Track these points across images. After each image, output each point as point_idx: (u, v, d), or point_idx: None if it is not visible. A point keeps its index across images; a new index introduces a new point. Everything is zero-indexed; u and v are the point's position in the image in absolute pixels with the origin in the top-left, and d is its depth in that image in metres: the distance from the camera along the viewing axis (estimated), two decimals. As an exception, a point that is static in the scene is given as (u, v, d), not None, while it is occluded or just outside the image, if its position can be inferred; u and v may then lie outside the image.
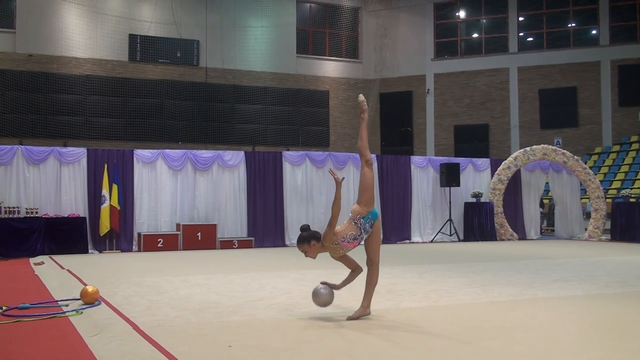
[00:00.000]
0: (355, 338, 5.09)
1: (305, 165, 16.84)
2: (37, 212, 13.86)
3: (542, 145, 18.96)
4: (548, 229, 21.04)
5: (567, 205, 19.16)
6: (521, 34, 26.47)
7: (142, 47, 23.32)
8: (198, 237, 15.13)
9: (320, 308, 6.01)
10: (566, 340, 5.01)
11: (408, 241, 17.64)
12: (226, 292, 7.57)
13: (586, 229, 18.48)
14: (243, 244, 15.50)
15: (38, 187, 14.20)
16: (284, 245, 15.97)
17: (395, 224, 17.65)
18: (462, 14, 27.41)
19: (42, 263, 11.40)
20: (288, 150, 20.18)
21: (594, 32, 26.10)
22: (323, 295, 5.92)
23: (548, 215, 21.50)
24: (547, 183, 19.89)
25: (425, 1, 26.84)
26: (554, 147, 18.94)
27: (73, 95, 22.12)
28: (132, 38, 23.19)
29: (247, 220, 15.97)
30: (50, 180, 14.31)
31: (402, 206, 17.79)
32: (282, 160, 16.63)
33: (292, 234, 16.37)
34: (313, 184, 16.89)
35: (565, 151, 18.69)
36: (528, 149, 18.65)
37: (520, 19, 26.45)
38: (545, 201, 21.63)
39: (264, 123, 24.74)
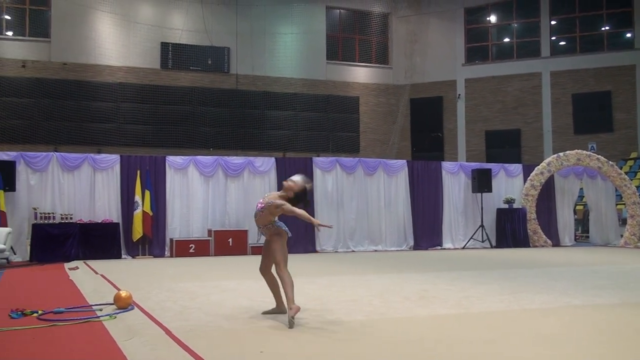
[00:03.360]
0: (386, 343, 5.06)
1: (335, 171, 16.85)
2: (71, 218, 14.08)
3: (576, 150, 18.71)
4: (582, 235, 20.73)
5: (602, 212, 18.86)
6: (553, 38, 26.15)
7: (173, 54, 23.58)
8: (229, 242, 15.22)
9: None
10: (602, 351, 4.92)
11: (439, 247, 17.53)
12: (258, 298, 7.59)
13: (622, 236, 18.16)
14: (274, 250, 15.52)
15: (72, 193, 14.44)
16: (314, 251, 15.97)
17: (426, 230, 17.55)
18: (493, 18, 27.20)
19: (77, 268, 11.56)
20: (318, 156, 20.19)
21: (628, 35, 25.68)
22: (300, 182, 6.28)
23: (583, 221, 21.18)
24: (581, 189, 19.61)
25: (456, 6, 26.69)
26: (588, 153, 18.67)
27: (106, 102, 22.46)
28: (164, 46, 23.47)
29: (278, 226, 16.00)
30: (84, 186, 14.54)
31: (433, 212, 17.68)
32: (313, 166, 16.66)
33: (323, 240, 16.38)
34: (343, 190, 16.88)
35: (599, 156, 18.42)
36: (561, 154, 18.41)
37: (553, 22, 26.14)
38: (579, 207, 21.31)
39: (294, 129, 24.82)
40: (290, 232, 6.29)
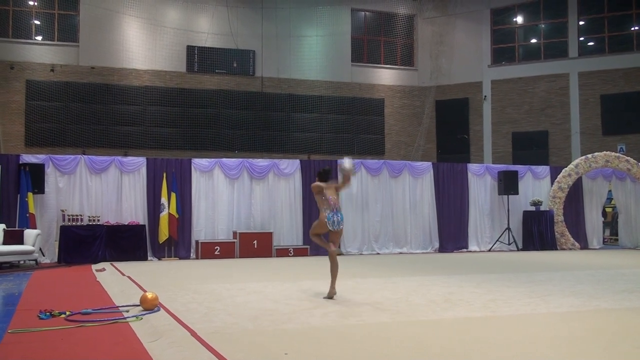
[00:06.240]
0: (411, 346, 5.04)
1: (360, 173, 16.82)
2: (98, 220, 14.25)
3: (605, 152, 18.46)
4: (611, 238, 20.44)
5: (632, 214, 18.59)
6: (582, 39, 25.82)
7: (199, 58, 23.73)
8: (254, 245, 15.27)
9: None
10: (632, 353, 4.85)
11: (465, 250, 17.41)
12: (282, 300, 7.62)
13: (652, 239, 17.89)
14: (299, 252, 15.57)
15: (100, 196, 14.62)
16: (339, 253, 15.91)
17: (452, 232, 17.45)
18: (519, 19, 26.93)
19: (104, 270, 11.69)
20: (343, 158, 20.17)
21: (658, 35, 25.25)
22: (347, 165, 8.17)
23: (611, 224, 20.89)
24: (609, 191, 19.34)
25: (482, 7, 26.49)
26: (617, 154, 18.41)
27: (133, 106, 22.67)
28: (190, 49, 23.63)
29: (302, 228, 16.03)
30: (111, 188, 14.71)
31: (459, 214, 17.58)
32: (337, 169, 16.62)
33: (348, 242, 16.35)
34: (368, 192, 16.85)
35: (629, 158, 18.16)
36: (590, 156, 18.18)
37: (581, 23, 25.81)
38: (608, 209, 21.02)
39: (319, 132, 24.83)
40: (333, 224, 7.93)
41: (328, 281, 8.04)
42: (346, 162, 8.16)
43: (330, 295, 7.78)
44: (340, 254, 8.03)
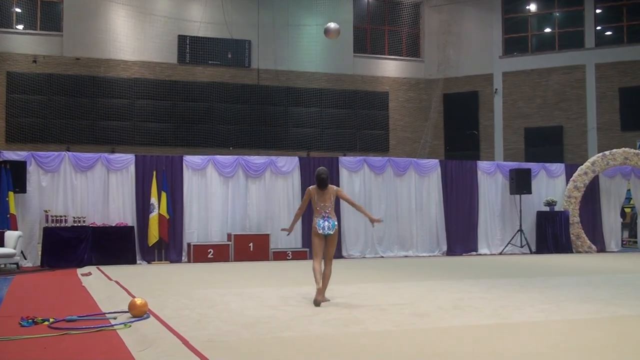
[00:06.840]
0: (418, 356, 5.03)
1: (363, 171, 16.83)
2: (84, 221, 14.23)
3: (623, 148, 18.45)
4: (630, 240, 20.44)
5: (652, 215, 18.61)
6: (599, 28, 25.80)
7: (191, 48, 23.70)
8: (250, 247, 15.28)
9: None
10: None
11: (475, 253, 17.42)
12: (280, 306, 7.61)
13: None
14: (297, 255, 15.57)
15: (85, 195, 14.60)
16: (340, 256, 15.94)
17: (460, 234, 17.44)
18: (533, 7, 26.93)
19: (90, 274, 11.69)
20: (345, 155, 20.17)
21: (681, 24, 25.24)
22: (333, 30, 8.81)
23: (630, 225, 20.89)
24: (629, 190, 19.33)
25: (493, -6, 26.48)
26: (637, 151, 18.40)
27: (121, 99, 22.64)
28: (181, 39, 23.61)
29: (301, 230, 16.02)
30: (97, 187, 14.70)
31: (468, 215, 17.57)
32: (339, 167, 16.65)
33: (350, 244, 16.36)
34: (372, 192, 16.84)
35: (649, 155, 18.16)
36: (607, 153, 18.18)
37: (598, 11, 25.79)
38: (627, 210, 21.02)
39: (319, 127, 24.82)
40: (323, 229, 7.84)
41: (330, 286, 8.05)
42: (332, 24, 8.79)
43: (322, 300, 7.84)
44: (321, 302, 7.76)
